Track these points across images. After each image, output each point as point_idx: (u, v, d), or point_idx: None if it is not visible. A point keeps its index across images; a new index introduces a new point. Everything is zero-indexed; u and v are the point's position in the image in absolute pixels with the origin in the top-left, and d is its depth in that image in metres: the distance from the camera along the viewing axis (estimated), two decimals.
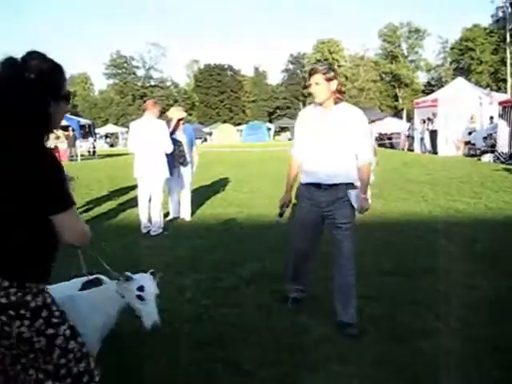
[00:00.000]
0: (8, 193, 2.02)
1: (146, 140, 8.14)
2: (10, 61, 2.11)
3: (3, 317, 2.04)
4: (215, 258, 6.57)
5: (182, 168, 9.09)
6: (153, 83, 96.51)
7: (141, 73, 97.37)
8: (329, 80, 4.16)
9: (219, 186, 14.08)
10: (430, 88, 74.73)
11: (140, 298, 2.97)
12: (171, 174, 8.56)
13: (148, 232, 8.28)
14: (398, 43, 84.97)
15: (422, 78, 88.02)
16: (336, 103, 4.26)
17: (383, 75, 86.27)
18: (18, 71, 2.08)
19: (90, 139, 37.42)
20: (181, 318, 4.59)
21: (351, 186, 4.28)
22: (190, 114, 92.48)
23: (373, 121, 38.93)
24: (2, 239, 2.06)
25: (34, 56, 2.13)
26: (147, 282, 3.06)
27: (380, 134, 35.97)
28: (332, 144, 4.22)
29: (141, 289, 2.98)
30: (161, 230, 8.30)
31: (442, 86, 48.62)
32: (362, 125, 4.28)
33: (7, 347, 2.10)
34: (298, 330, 4.28)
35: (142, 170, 8.24)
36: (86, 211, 10.50)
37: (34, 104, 2.07)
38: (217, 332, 4.29)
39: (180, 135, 9.02)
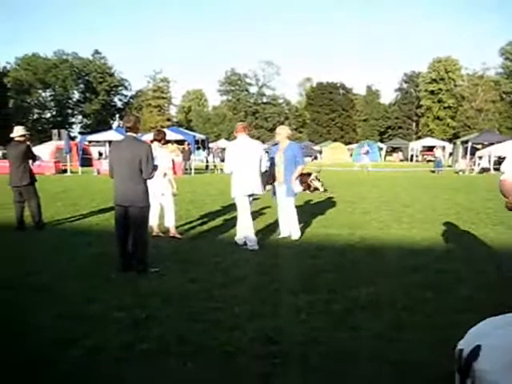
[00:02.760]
0: None
1: (245, 160, 8.44)
2: None
3: None
4: (328, 280, 6.48)
5: (284, 186, 9.19)
6: (265, 100, 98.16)
7: (253, 90, 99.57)
8: None
9: (331, 205, 13.97)
10: None
11: None
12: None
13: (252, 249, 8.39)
14: None
15: None
16: None
17: (504, 95, 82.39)
18: None
19: (203, 153, 38.61)
20: (294, 340, 4.56)
21: None
22: (301, 132, 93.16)
23: (491, 143, 37.24)
24: None
25: None
26: None
27: (499, 157, 34.13)
28: None
29: None
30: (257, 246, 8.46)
31: None
32: None
33: None
34: (419, 364, 4.11)
35: (244, 188, 8.49)
36: (200, 225, 10.77)
37: None
38: (332, 357, 4.22)
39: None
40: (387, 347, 4.40)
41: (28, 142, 10.69)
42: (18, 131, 10.45)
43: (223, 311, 5.34)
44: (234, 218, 11.49)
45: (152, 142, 9.30)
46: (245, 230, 8.63)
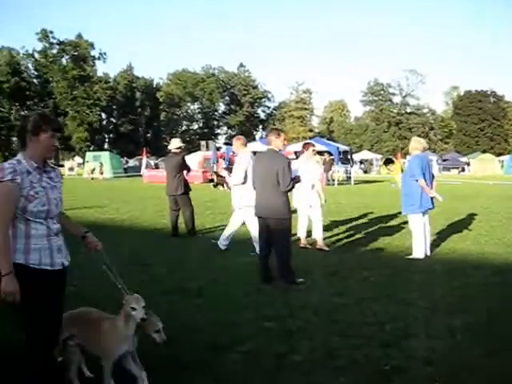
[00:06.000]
0: None
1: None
2: None
3: None
4: (485, 301, 6.13)
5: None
6: (409, 110, 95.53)
7: (397, 100, 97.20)
8: None
9: (484, 221, 13.19)
10: None
11: None
12: None
13: None
14: None
15: None
16: None
17: None
18: None
19: (347, 165, 38.34)
20: (451, 362, 4.36)
21: None
22: (447, 143, 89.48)
23: None
24: None
25: None
26: None
27: None
28: None
29: None
30: None
31: None
32: None
33: None
34: None
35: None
36: (347, 237, 10.71)
37: None
38: None
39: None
40: None
41: (183, 154, 11.23)
42: (174, 143, 11.08)
43: (374, 327, 5.26)
44: (382, 231, 11.38)
45: (296, 153, 9.41)
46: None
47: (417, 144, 8.90)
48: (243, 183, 8.67)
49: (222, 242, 9.31)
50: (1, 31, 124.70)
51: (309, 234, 9.93)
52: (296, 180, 7.21)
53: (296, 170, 8.56)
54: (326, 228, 11.00)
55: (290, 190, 7.08)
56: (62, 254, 3.46)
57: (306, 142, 10.40)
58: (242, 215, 8.97)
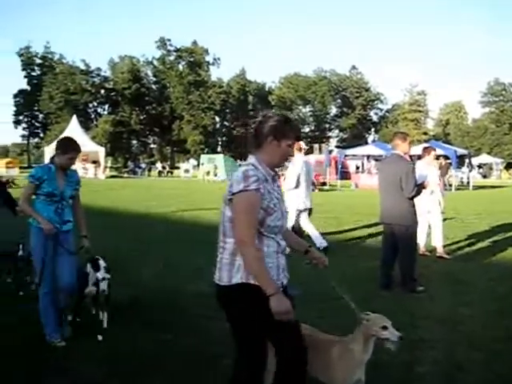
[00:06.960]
0: None
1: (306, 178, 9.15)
2: None
3: None
4: None
5: None
6: None
7: None
8: None
9: None
10: None
11: None
12: None
13: None
14: None
15: None
16: None
17: None
18: None
19: (465, 169, 36.85)
20: None
21: None
22: None
23: None
24: None
25: None
26: None
27: None
28: None
29: None
30: None
31: None
32: None
33: None
34: None
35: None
36: (468, 245, 10.27)
37: None
38: None
39: None
40: None
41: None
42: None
43: (504, 342, 4.98)
44: (508, 239, 10.80)
45: (412, 157, 9.12)
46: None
47: None
48: (295, 187, 8.82)
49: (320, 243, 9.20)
50: (124, 41, 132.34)
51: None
52: (422, 186, 7.00)
53: (425, 175, 8.27)
54: (446, 235, 10.58)
55: (415, 196, 6.86)
56: (285, 273, 3.11)
57: (427, 146, 10.06)
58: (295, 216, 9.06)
